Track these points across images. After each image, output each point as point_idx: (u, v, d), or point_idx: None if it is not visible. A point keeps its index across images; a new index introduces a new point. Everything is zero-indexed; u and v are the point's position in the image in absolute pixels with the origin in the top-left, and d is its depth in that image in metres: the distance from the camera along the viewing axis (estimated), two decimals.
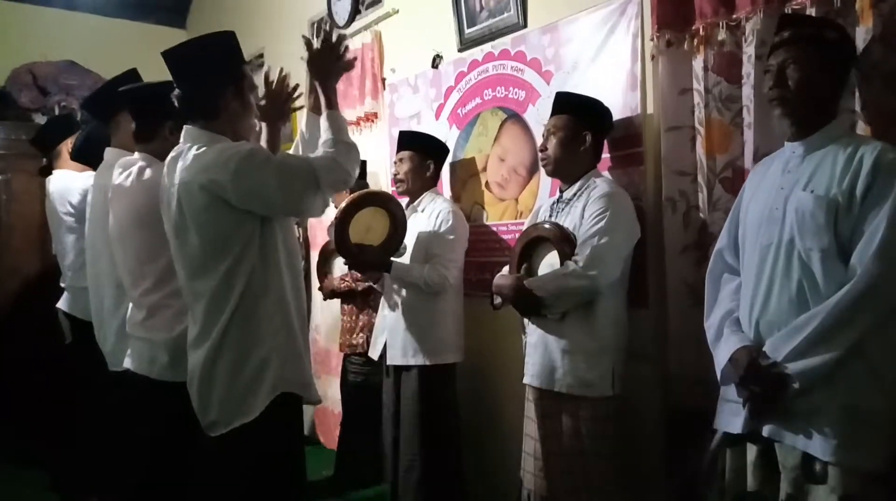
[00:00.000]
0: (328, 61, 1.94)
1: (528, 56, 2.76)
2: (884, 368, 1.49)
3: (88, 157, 2.80)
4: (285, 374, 1.75)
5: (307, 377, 1.85)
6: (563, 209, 2.27)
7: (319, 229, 3.74)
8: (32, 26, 4.76)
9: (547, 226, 2.25)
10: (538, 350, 2.23)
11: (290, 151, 2.15)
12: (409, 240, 2.77)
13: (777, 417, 1.54)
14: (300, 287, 1.88)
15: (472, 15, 2.99)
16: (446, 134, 3.12)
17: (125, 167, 2.17)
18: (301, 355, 1.82)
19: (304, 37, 1.98)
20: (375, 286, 2.92)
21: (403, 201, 2.92)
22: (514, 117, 2.84)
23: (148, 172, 2.09)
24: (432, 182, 2.91)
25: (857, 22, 1.76)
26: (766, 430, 1.56)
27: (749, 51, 1.97)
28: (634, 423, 2.25)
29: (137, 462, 2.09)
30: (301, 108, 2.18)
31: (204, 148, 1.73)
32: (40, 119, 4.49)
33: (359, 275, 3.03)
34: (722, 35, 2.05)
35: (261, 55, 4.45)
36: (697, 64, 2.13)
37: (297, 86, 2.13)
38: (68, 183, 3.02)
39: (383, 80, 3.51)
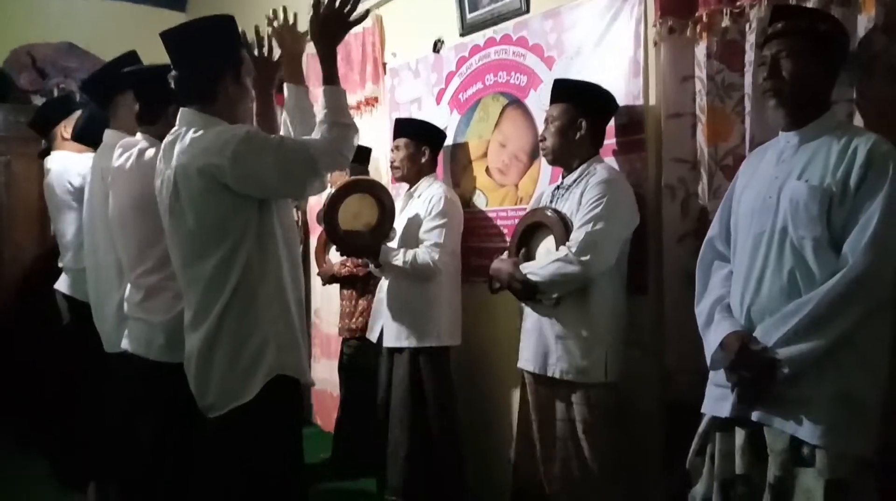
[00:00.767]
0: (335, 21, 1.80)
1: (531, 41, 2.74)
2: (873, 356, 1.52)
3: (92, 137, 2.78)
4: (282, 360, 1.75)
5: (303, 363, 1.85)
6: (562, 195, 2.27)
7: None
8: (32, 8, 4.72)
9: (546, 212, 2.25)
10: (533, 335, 2.24)
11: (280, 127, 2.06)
12: (401, 225, 2.77)
13: (766, 403, 1.56)
14: (298, 273, 1.88)
15: None
16: (447, 119, 3.11)
17: (126, 149, 2.16)
18: (298, 341, 1.82)
19: None
20: (374, 271, 2.93)
21: (403, 187, 2.91)
22: (515, 103, 2.83)
23: (150, 153, 2.08)
24: (429, 168, 2.91)
25: (859, 10, 1.75)
26: (754, 414, 1.58)
27: (752, 39, 1.96)
28: (632, 414, 2.25)
29: (137, 447, 2.10)
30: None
31: (201, 131, 1.72)
32: (39, 101, 4.46)
33: (360, 261, 3.04)
34: (725, 22, 2.04)
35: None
36: (700, 51, 2.12)
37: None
38: (67, 164, 3.01)
39: (384, 64, 3.48)
